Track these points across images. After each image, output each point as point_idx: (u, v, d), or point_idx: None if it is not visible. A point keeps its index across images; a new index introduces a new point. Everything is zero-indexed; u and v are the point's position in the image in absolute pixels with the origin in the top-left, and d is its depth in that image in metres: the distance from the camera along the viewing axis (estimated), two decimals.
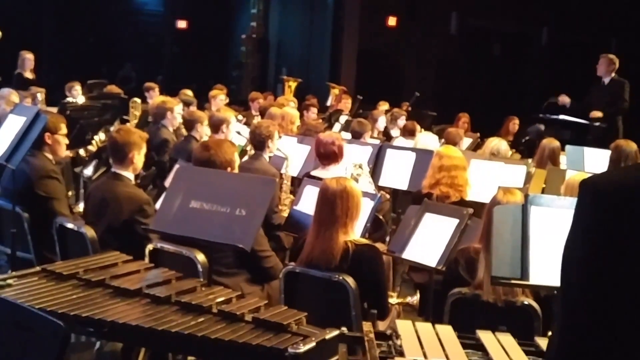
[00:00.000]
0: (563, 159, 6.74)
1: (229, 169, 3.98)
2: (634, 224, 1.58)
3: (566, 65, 14.85)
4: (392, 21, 15.14)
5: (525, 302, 3.38)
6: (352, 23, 14.77)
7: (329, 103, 12.06)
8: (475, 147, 8.18)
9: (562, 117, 10.19)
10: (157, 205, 4.48)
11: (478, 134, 8.88)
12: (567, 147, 6.94)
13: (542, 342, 2.88)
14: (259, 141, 5.47)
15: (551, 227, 2.98)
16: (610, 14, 14.42)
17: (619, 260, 1.58)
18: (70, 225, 4.18)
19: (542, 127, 10.28)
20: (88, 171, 6.15)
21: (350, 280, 3.42)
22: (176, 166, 5.05)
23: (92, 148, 7.05)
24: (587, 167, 6.39)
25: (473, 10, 15.18)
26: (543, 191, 5.58)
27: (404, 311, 4.17)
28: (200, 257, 3.58)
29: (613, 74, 8.99)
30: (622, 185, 1.62)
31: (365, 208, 3.84)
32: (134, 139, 4.33)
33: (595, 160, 6.56)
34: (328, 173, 4.91)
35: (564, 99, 9.39)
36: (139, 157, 4.35)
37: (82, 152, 7.00)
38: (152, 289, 2.90)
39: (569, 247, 1.67)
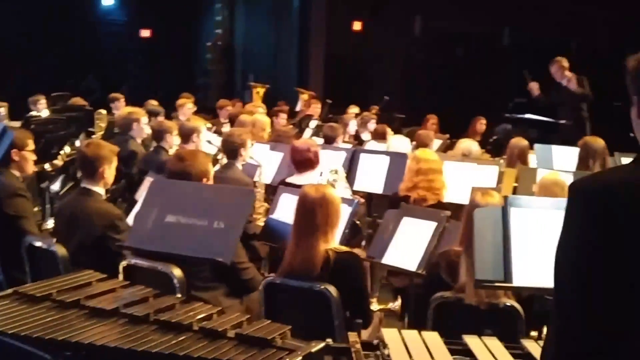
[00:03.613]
0: (532, 158, 6.79)
1: (204, 180, 3.91)
2: (625, 224, 1.58)
3: (528, 64, 14.99)
4: (357, 25, 15.19)
5: (508, 304, 3.38)
6: (318, 28, 14.77)
7: (298, 108, 12.02)
8: (446, 148, 8.20)
9: (528, 116, 10.28)
10: (129, 219, 4.39)
11: (447, 135, 8.90)
12: (536, 145, 6.99)
13: (528, 344, 2.86)
14: (231, 150, 5.40)
15: (532, 228, 2.98)
16: (570, 14, 14.60)
17: (611, 260, 1.58)
18: (39, 244, 4.06)
19: (509, 126, 10.36)
20: (55, 186, 6.03)
21: (332, 290, 3.37)
22: (146, 178, 4.97)
23: (58, 162, 6.91)
24: (555, 165, 6.44)
25: (436, 12, 15.26)
26: (515, 190, 5.60)
27: (385, 317, 4.14)
28: (177, 272, 3.48)
29: (567, 73, 9.05)
30: (611, 188, 1.63)
31: (343, 214, 3.80)
32: (104, 153, 4.23)
33: (564, 158, 6.61)
34: (304, 179, 4.87)
35: (533, 88, 9.38)
36: (109, 172, 4.24)
37: (47, 166, 6.86)
38: (129, 308, 2.81)
39: (562, 250, 1.66)
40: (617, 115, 8.76)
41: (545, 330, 3.74)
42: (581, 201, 1.63)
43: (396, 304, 3.97)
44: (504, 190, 5.41)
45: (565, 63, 9.04)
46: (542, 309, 3.63)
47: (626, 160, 6.21)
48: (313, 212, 3.44)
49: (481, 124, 10.67)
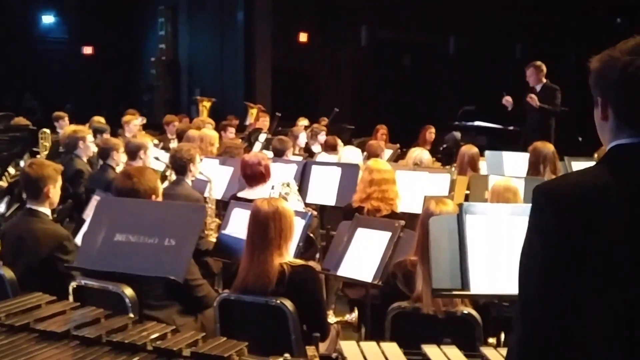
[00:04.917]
0: (483, 165, 6.83)
1: (153, 197, 3.83)
2: (591, 228, 1.56)
3: (474, 72, 15.24)
4: (303, 37, 15.19)
5: (465, 312, 3.37)
6: (264, 41, 14.73)
7: (247, 122, 11.96)
8: (397, 157, 8.22)
9: (477, 123, 10.39)
10: (77, 239, 4.29)
11: (398, 145, 8.94)
12: (486, 152, 7.03)
13: (488, 352, 2.86)
14: (180, 166, 5.32)
15: (487, 234, 2.98)
16: (514, 21, 14.87)
17: (578, 264, 1.56)
18: None
19: (459, 134, 10.45)
20: (1, 208, 5.87)
21: (288, 304, 3.32)
22: (94, 197, 4.86)
23: (3, 184, 6.75)
24: (506, 171, 6.49)
25: (382, 22, 15.39)
26: (467, 197, 5.63)
27: (342, 329, 4.10)
28: (128, 291, 3.40)
29: (544, 80, 8.74)
30: (577, 191, 1.61)
31: (297, 227, 3.76)
32: (48, 173, 4.11)
33: (514, 164, 6.66)
34: (255, 193, 4.82)
35: (508, 100, 9.05)
36: (54, 191, 4.14)
37: None
38: (80, 330, 2.73)
39: (527, 255, 1.63)
40: (565, 120, 8.91)
41: (503, 336, 3.76)
42: (547, 205, 1.61)
43: (353, 316, 3.94)
44: (457, 198, 5.43)
45: (543, 68, 8.72)
46: (500, 316, 3.64)
47: (576, 164, 6.33)
48: (266, 226, 3.39)
49: (430, 133, 10.74)
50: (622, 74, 1.64)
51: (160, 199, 4.00)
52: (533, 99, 8.58)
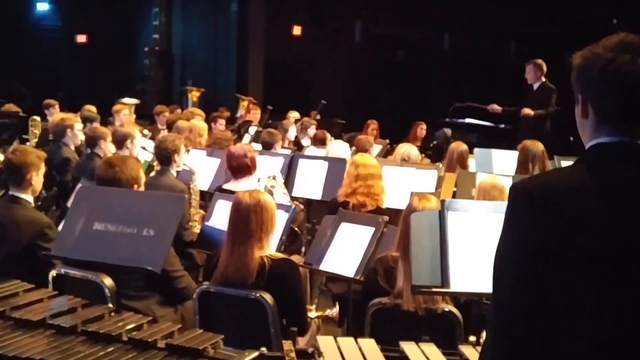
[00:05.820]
0: (472, 162, 6.82)
1: (135, 187, 3.80)
2: (566, 228, 1.54)
3: (468, 69, 15.21)
4: (297, 30, 15.13)
5: (446, 309, 3.36)
6: (257, 33, 14.68)
7: (238, 114, 11.93)
8: (385, 153, 8.21)
9: (468, 120, 10.38)
10: (60, 227, 4.27)
11: (387, 141, 8.91)
12: (475, 150, 7.01)
13: (466, 350, 2.85)
14: (164, 156, 5.29)
15: (469, 232, 2.96)
16: (509, 18, 14.84)
17: (552, 264, 1.54)
18: None
19: (449, 131, 10.44)
20: None
21: (267, 297, 3.32)
22: (79, 185, 4.84)
23: None
24: (495, 169, 6.48)
25: (376, 17, 15.35)
26: (454, 194, 5.62)
27: (323, 323, 4.09)
28: (108, 281, 3.39)
29: (543, 79, 8.57)
30: (554, 189, 1.59)
31: (280, 221, 3.74)
32: (31, 160, 4.10)
33: (503, 162, 6.65)
34: (241, 186, 4.79)
35: (494, 108, 9.04)
36: (37, 178, 4.12)
37: None
38: (56, 319, 2.73)
39: (502, 252, 1.62)
40: (557, 118, 8.89)
41: (484, 334, 3.75)
42: (522, 203, 1.58)
43: (334, 311, 3.93)
44: (444, 195, 5.42)
45: (543, 67, 8.54)
46: (481, 313, 3.63)
47: (566, 163, 6.30)
48: (247, 218, 3.37)
49: (421, 129, 10.73)
50: (602, 71, 1.60)
51: (142, 188, 3.98)
52: (527, 114, 8.41)
